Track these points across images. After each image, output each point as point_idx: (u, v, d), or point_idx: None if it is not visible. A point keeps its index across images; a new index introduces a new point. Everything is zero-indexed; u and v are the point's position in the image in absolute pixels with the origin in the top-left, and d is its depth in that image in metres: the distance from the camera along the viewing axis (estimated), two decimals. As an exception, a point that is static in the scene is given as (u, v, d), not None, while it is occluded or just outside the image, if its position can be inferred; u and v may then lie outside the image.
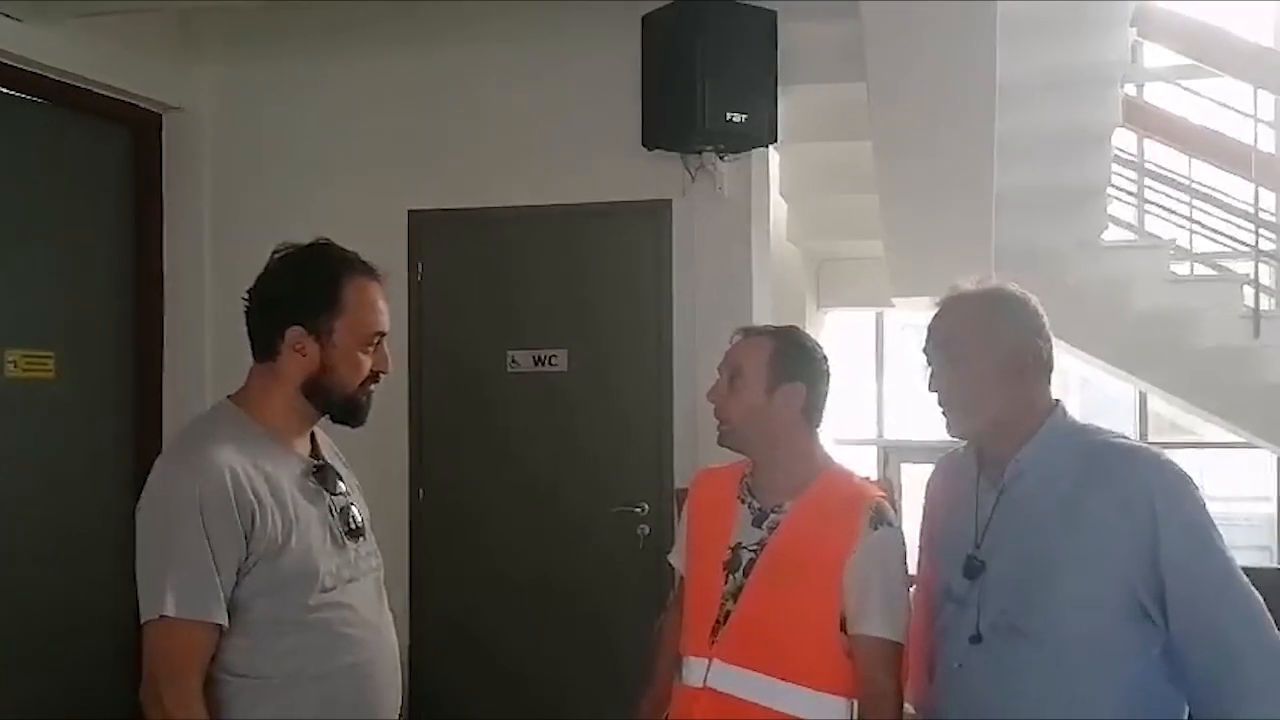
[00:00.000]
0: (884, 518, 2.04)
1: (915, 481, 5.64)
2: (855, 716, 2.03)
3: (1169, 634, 1.71)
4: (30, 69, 3.72)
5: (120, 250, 4.26)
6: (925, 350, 1.94)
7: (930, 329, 1.94)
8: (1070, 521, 1.76)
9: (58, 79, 3.84)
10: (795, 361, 2.13)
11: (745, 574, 2.09)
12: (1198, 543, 1.72)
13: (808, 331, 2.29)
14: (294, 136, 4.36)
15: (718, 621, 2.09)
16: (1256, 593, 1.72)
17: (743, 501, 2.17)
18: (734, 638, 2.07)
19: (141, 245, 4.30)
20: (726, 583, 2.11)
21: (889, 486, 3.68)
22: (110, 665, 4.03)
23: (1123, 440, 1.85)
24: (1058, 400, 1.90)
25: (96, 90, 4.00)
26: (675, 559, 2.34)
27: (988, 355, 1.85)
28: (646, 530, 4.01)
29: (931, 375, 1.92)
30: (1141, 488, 1.73)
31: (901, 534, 2.08)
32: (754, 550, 2.10)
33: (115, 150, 4.26)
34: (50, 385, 3.87)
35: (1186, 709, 1.77)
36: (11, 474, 3.72)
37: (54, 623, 3.83)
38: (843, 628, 2.03)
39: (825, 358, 2.19)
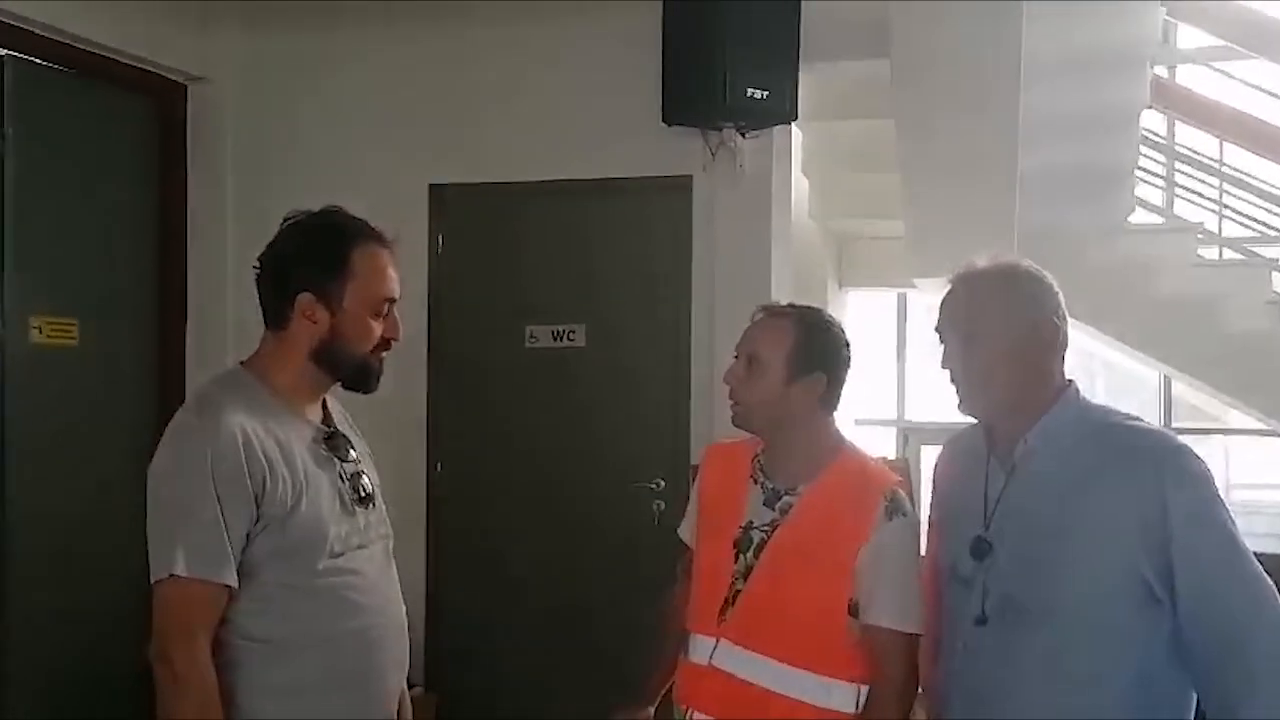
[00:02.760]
0: (900, 508, 2.02)
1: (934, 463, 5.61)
2: (862, 702, 2.01)
3: (1176, 617, 1.69)
4: (56, 38, 3.75)
5: (144, 220, 4.28)
6: (938, 328, 1.91)
7: (943, 305, 1.91)
8: (1079, 503, 1.74)
9: (83, 49, 3.86)
10: (818, 353, 2.08)
11: (756, 554, 2.06)
12: (1207, 526, 1.69)
13: (830, 313, 2.22)
14: (317, 108, 4.37)
15: (727, 601, 2.07)
16: (1267, 576, 1.69)
17: (755, 480, 2.13)
18: (742, 619, 2.05)
19: (165, 215, 4.33)
20: (737, 561, 2.08)
21: (905, 467, 3.67)
22: (136, 628, 4.10)
23: (1135, 422, 1.82)
24: (1070, 380, 1.87)
25: (121, 60, 4.03)
26: (684, 533, 2.31)
27: (1003, 334, 1.83)
28: (662, 506, 4.02)
29: (944, 353, 1.90)
30: (1152, 470, 1.70)
31: (917, 522, 2.05)
32: (765, 531, 2.07)
33: (140, 120, 4.28)
34: (74, 352, 3.91)
35: (1194, 694, 1.75)
36: (36, 440, 3.76)
37: (77, 587, 3.88)
38: (851, 612, 2.01)
39: (848, 344, 2.13)
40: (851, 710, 2.00)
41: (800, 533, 2.04)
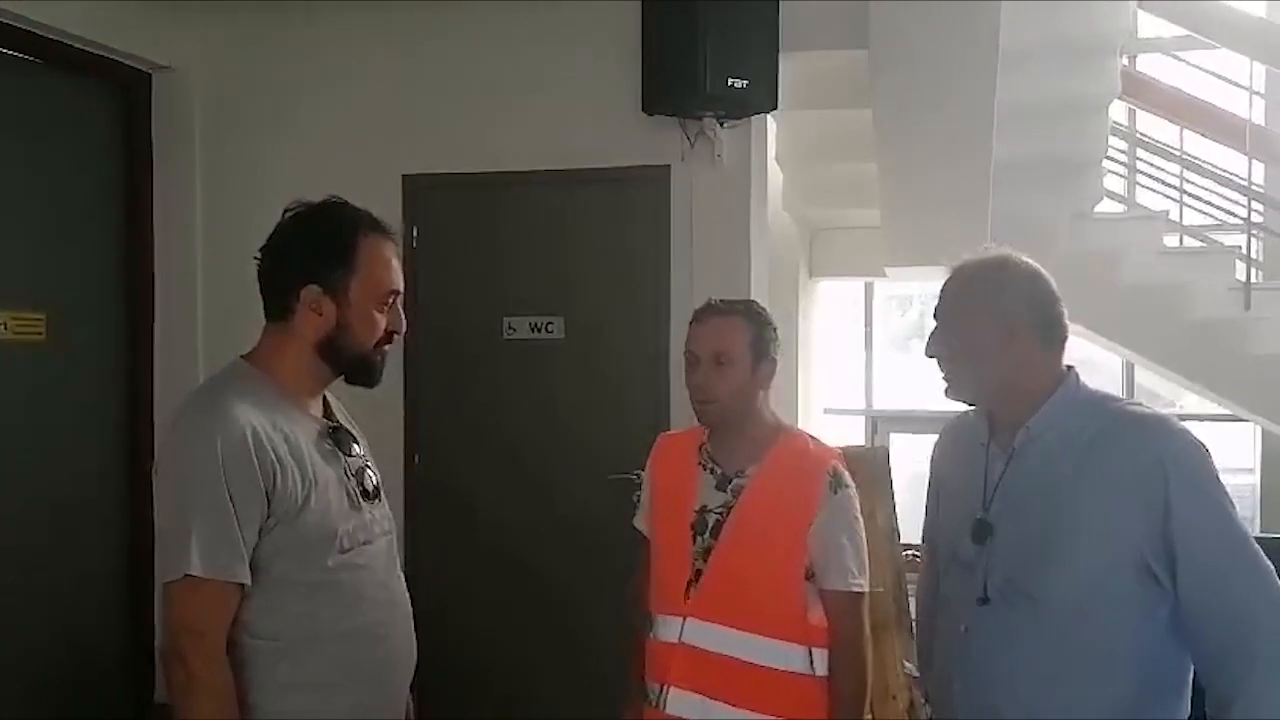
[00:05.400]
0: (842, 481, 2.23)
1: (902, 451, 5.67)
2: (815, 662, 2.18)
3: (1178, 600, 1.72)
4: (19, 25, 3.65)
5: (111, 211, 4.20)
6: (934, 314, 1.97)
7: (939, 294, 1.97)
8: (1081, 487, 1.77)
9: (46, 36, 3.76)
10: (770, 339, 2.28)
11: (713, 535, 2.21)
12: (1209, 511, 1.72)
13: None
14: (286, 97, 4.31)
15: (690, 581, 2.21)
16: (1268, 561, 1.72)
17: (704, 467, 2.28)
18: (707, 595, 2.19)
19: (132, 206, 4.25)
20: (695, 543, 2.22)
21: (885, 454, 3.69)
22: (105, 625, 4.04)
23: (1136, 408, 1.84)
24: (1070, 368, 1.91)
25: (86, 49, 3.94)
26: (640, 523, 2.43)
27: (980, 321, 1.87)
28: (641, 498, 4.01)
29: (930, 338, 1.95)
30: (1154, 455, 1.73)
31: (855, 491, 2.25)
32: (719, 513, 2.23)
33: (105, 109, 4.20)
34: (41, 347, 3.83)
35: (1192, 671, 1.78)
36: (2, 436, 3.68)
37: (46, 584, 3.81)
38: (807, 576, 2.19)
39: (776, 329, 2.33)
40: (804, 669, 2.17)
41: (754, 511, 2.21)
